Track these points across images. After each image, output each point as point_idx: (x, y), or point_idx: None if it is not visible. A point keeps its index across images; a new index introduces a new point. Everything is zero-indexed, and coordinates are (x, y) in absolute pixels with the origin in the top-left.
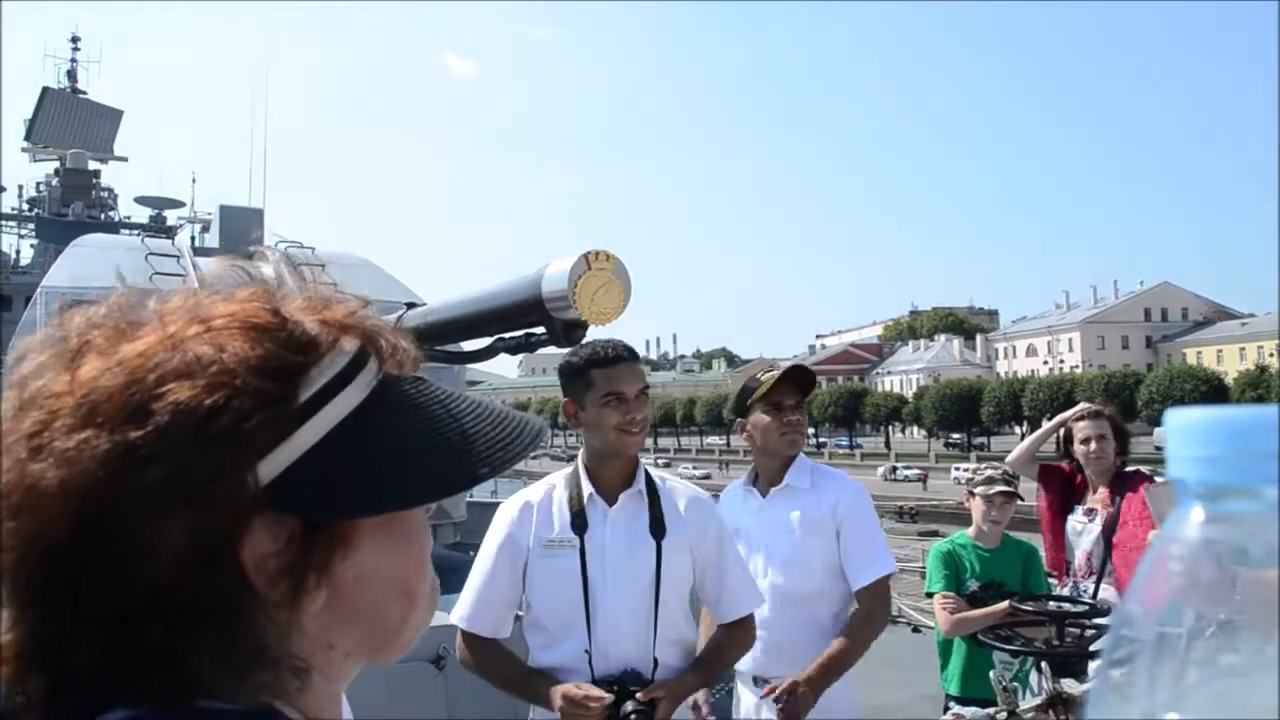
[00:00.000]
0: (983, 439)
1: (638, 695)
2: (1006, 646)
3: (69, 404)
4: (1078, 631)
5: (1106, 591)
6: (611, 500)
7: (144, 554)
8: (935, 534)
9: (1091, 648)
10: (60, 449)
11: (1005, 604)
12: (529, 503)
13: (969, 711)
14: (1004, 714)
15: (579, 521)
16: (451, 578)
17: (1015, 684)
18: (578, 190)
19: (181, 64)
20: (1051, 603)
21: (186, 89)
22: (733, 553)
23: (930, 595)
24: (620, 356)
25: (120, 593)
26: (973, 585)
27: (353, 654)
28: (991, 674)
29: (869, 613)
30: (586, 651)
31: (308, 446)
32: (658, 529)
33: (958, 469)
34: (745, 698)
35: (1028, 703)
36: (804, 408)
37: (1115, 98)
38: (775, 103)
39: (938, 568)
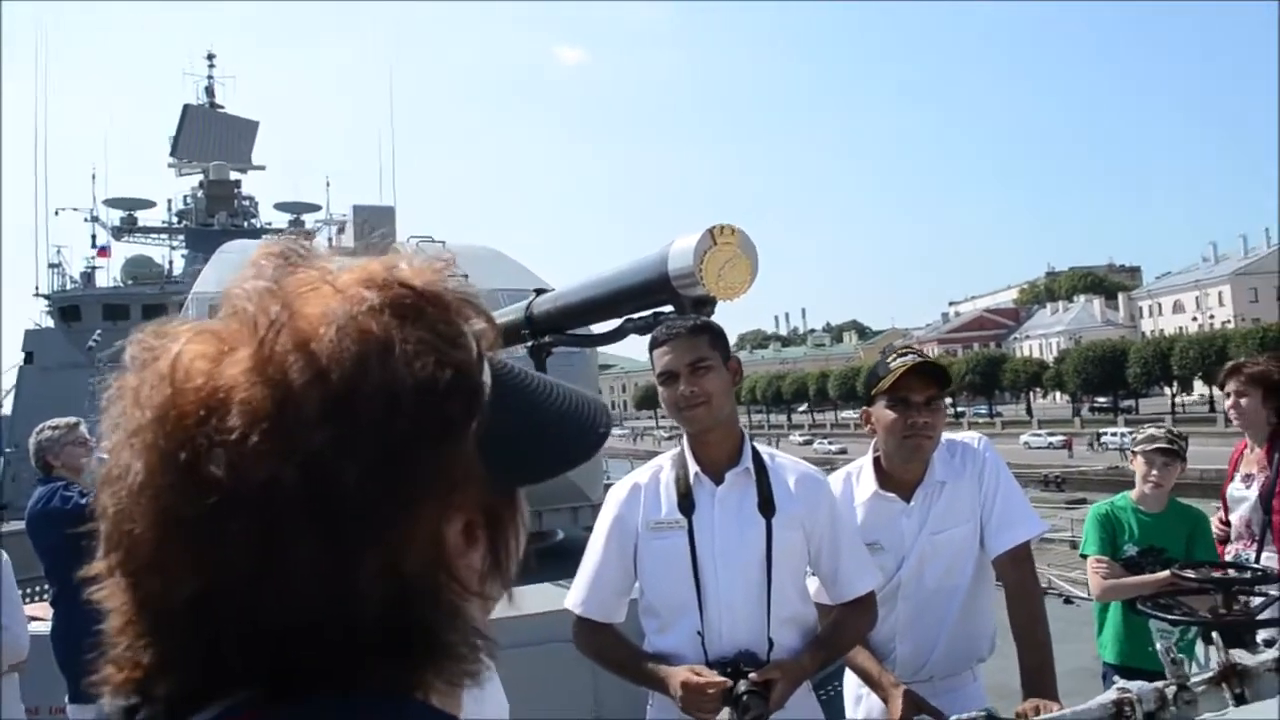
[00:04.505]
0: (1130, 402)
1: (751, 676)
2: (1167, 616)
3: (294, 393)
4: (1243, 600)
5: (1269, 558)
6: (719, 479)
7: (400, 543)
8: (1084, 502)
9: (1260, 617)
10: (300, 445)
11: (1165, 573)
12: (637, 485)
13: (1136, 686)
14: (1174, 688)
15: (686, 502)
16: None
17: (1182, 655)
18: (697, 168)
19: (311, 72)
20: (1215, 570)
21: (317, 96)
22: (848, 530)
23: (1085, 557)
24: (671, 335)
25: (372, 587)
26: (1131, 550)
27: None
28: (1159, 645)
29: (1022, 580)
30: (699, 634)
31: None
32: (767, 507)
33: (1104, 434)
34: (860, 698)
35: (1198, 675)
36: (939, 406)
37: (1248, 30)
38: (898, 68)
39: (1094, 529)
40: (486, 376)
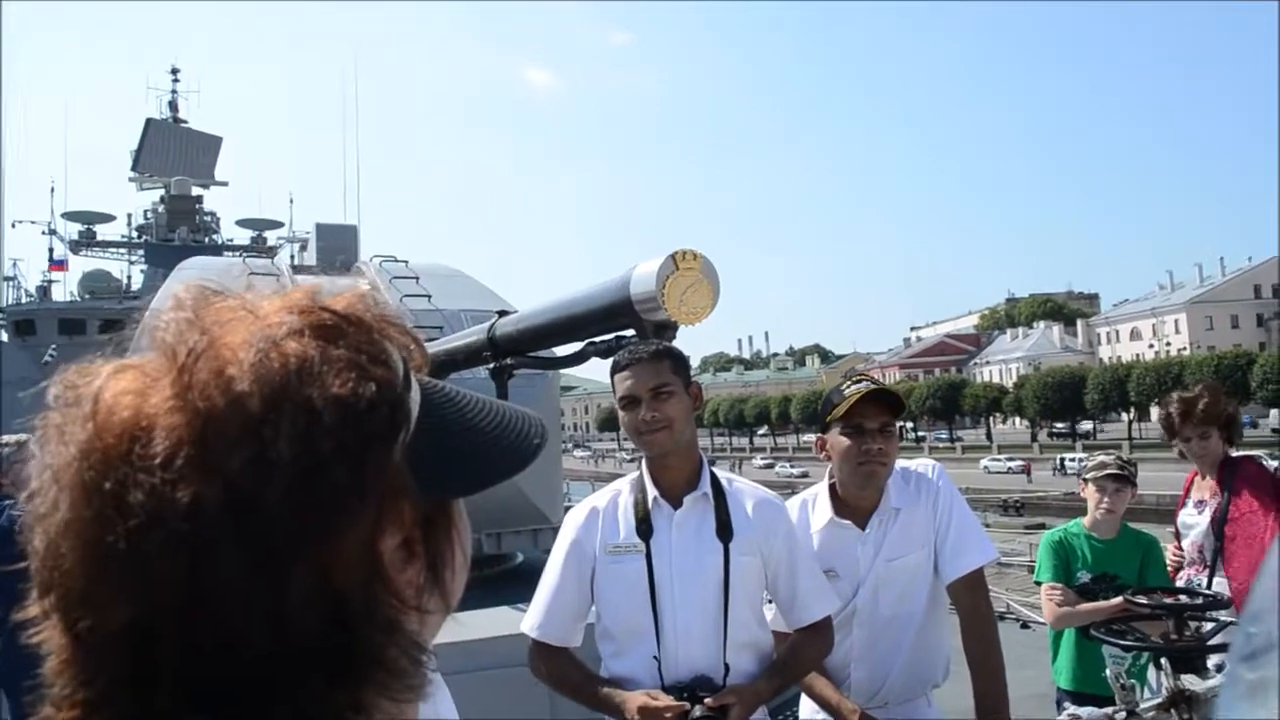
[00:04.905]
0: (1088, 426)
1: (706, 701)
2: (1119, 642)
3: (215, 416)
4: (1195, 625)
5: (1220, 584)
6: (677, 503)
7: (329, 558)
8: (1042, 527)
9: (1211, 642)
10: (221, 467)
11: (1118, 600)
12: (595, 509)
13: (1085, 712)
14: (1123, 713)
15: (644, 526)
16: None
17: (1133, 681)
18: (662, 192)
19: (276, 88)
20: (1168, 596)
21: (282, 112)
22: (805, 556)
23: (1040, 584)
24: (633, 360)
25: (305, 612)
26: (1084, 577)
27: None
28: (1109, 671)
29: (975, 606)
30: (655, 658)
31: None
32: (725, 532)
33: (1067, 459)
34: None
35: (1147, 701)
36: (892, 432)
37: (1210, 67)
38: (862, 95)
39: (1047, 556)
40: (415, 392)
